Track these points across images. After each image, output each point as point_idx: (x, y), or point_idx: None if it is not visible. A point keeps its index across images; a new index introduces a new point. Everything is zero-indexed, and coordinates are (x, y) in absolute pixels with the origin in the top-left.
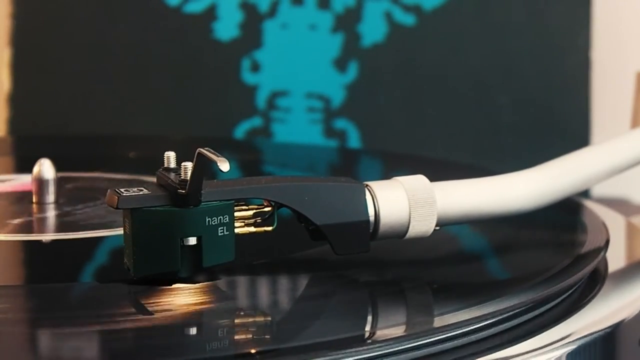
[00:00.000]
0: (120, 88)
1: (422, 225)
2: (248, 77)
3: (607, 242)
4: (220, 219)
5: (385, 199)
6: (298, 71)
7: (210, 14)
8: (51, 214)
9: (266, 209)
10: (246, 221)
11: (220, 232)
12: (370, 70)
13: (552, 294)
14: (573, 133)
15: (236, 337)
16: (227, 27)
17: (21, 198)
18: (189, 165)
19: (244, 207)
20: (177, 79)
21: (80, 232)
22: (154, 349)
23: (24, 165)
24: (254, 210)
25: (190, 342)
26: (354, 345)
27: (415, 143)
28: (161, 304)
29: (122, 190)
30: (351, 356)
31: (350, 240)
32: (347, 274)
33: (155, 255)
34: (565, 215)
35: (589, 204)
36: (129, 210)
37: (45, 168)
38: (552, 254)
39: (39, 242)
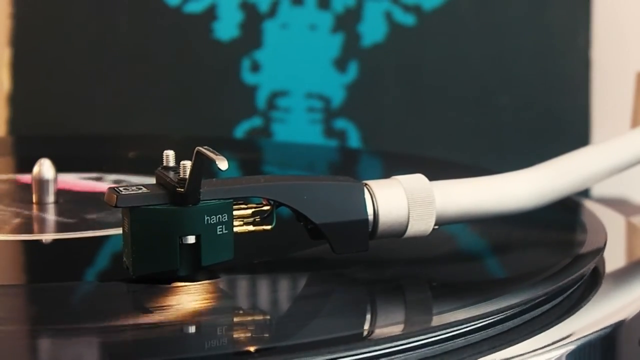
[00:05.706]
0: (120, 88)
1: (421, 224)
2: (248, 77)
3: (606, 242)
4: (219, 217)
5: (384, 198)
6: (298, 71)
7: (210, 14)
8: (51, 213)
9: (265, 208)
10: (245, 220)
11: (219, 231)
12: (370, 70)
13: (552, 293)
14: (573, 133)
15: (235, 335)
16: (227, 27)
17: (21, 198)
18: (187, 164)
19: (242, 206)
20: (177, 79)
21: (80, 232)
22: (153, 348)
23: (24, 165)
24: (253, 209)
25: (189, 341)
26: (352, 343)
27: (415, 143)
28: (160, 302)
29: (120, 188)
30: (350, 355)
31: (349, 239)
32: (346, 273)
33: (154, 254)
34: (565, 214)
35: (588, 203)
36: (128, 209)
37: (45, 168)
38: (551, 253)
39: (39, 242)
